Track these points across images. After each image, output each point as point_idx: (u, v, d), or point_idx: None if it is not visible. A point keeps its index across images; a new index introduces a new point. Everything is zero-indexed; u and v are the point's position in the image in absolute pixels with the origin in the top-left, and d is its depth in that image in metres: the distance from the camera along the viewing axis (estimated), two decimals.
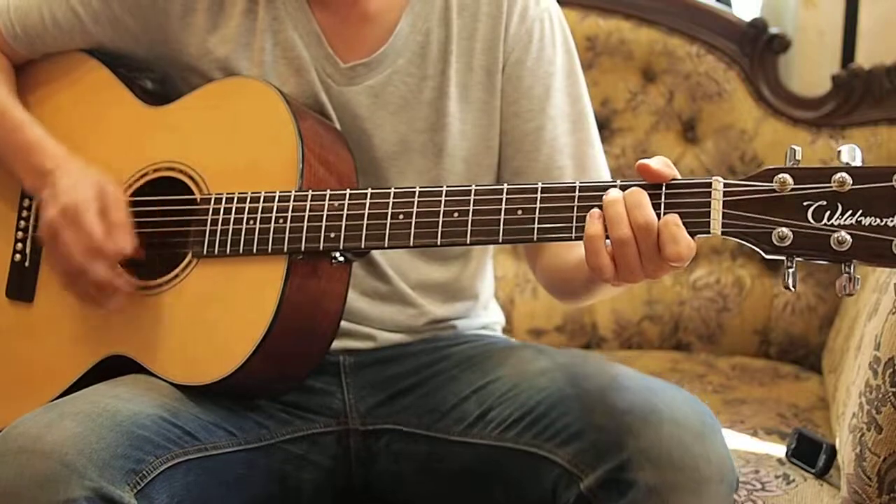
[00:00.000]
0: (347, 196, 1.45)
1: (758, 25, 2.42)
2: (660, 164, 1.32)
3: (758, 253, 1.27)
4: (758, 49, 2.42)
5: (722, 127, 2.43)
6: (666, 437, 1.35)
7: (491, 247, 1.78)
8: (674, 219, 1.28)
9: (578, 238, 1.33)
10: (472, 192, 1.39)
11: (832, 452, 1.73)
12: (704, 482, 1.34)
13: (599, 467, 1.38)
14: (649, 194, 1.30)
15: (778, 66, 2.43)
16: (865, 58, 2.45)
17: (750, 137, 2.41)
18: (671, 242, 1.27)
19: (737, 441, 1.85)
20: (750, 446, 1.85)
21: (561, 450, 1.44)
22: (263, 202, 1.48)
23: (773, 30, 2.43)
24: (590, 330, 2.43)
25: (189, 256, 1.53)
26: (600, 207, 1.31)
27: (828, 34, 2.52)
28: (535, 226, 1.35)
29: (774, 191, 1.26)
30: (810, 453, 1.76)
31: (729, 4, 2.61)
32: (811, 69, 2.53)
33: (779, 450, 1.82)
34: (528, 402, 1.50)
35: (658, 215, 1.28)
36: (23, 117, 1.63)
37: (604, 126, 2.46)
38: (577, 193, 1.34)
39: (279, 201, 1.47)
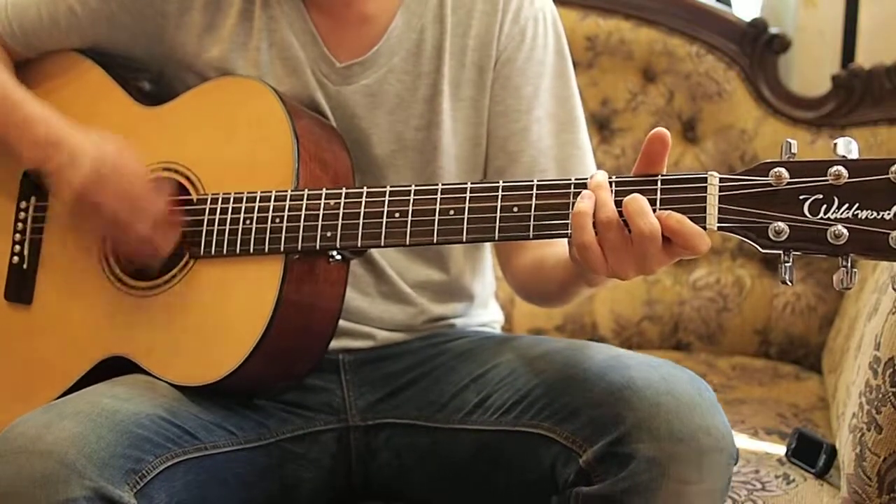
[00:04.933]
0: (343, 195, 1.45)
1: (758, 25, 2.43)
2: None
3: (754, 247, 1.26)
4: (758, 49, 2.42)
5: (722, 127, 2.43)
6: (664, 409, 1.35)
7: (489, 247, 1.78)
8: (676, 217, 1.27)
9: None
10: (468, 189, 1.39)
11: (832, 452, 1.73)
12: (704, 452, 1.34)
13: (598, 442, 1.38)
14: (645, 189, 1.29)
15: (778, 66, 2.44)
16: (865, 58, 2.46)
17: (750, 137, 2.41)
18: (693, 239, 1.27)
19: (737, 441, 1.84)
20: (750, 446, 1.85)
21: (559, 427, 1.44)
22: (260, 202, 1.48)
23: (773, 30, 2.43)
24: (590, 330, 2.43)
25: (186, 257, 1.53)
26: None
27: (828, 34, 2.52)
28: (531, 222, 1.35)
29: (770, 185, 1.25)
30: (810, 453, 1.75)
31: (729, 4, 2.61)
32: (811, 69, 2.53)
33: (779, 450, 1.82)
34: (527, 385, 1.50)
35: (654, 210, 1.27)
36: (24, 95, 1.61)
37: (604, 126, 2.47)
38: (572, 190, 1.34)
39: (275, 201, 1.47)
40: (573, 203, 1.32)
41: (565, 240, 1.35)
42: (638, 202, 1.28)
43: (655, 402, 1.35)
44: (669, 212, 1.28)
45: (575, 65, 1.73)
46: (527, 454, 1.48)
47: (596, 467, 1.38)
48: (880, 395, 1.54)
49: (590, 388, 1.42)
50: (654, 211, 1.28)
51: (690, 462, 1.33)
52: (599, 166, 2.37)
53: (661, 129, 1.30)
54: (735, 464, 1.40)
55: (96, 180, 1.51)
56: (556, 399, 1.45)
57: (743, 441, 1.86)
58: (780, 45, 2.43)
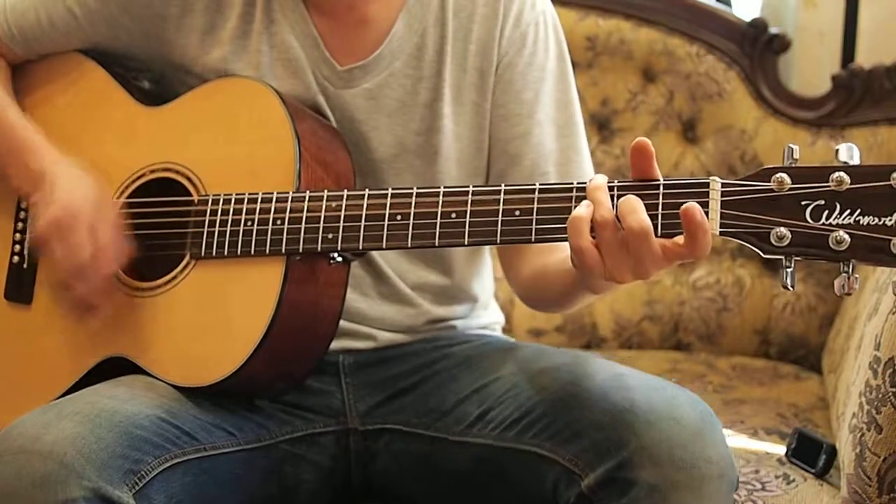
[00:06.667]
0: (345, 197, 1.45)
1: (758, 25, 2.42)
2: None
3: (756, 252, 1.26)
4: (758, 49, 2.42)
5: (722, 127, 2.43)
6: (666, 436, 1.35)
7: (489, 248, 1.78)
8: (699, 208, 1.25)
9: None
10: (470, 192, 1.39)
11: (832, 452, 1.73)
12: (705, 480, 1.34)
13: (600, 466, 1.38)
14: (647, 194, 1.29)
15: (778, 66, 2.43)
16: (865, 58, 2.46)
17: (750, 137, 2.41)
18: (701, 237, 1.25)
19: (737, 441, 1.85)
20: (750, 446, 1.84)
21: (561, 449, 1.44)
22: (261, 203, 1.48)
23: (773, 30, 2.43)
24: (590, 330, 2.43)
25: (187, 258, 1.52)
26: None
27: (828, 34, 2.53)
28: (533, 226, 1.35)
29: (772, 190, 1.25)
30: (810, 453, 1.75)
31: (729, 4, 2.61)
32: (811, 69, 2.53)
33: (779, 450, 1.82)
34: (529, 402, 1.50)
35: (656, 216, 1.28)
36: (16, 118, 1.63)
37: (604, 126, 2.47)
38: (574, 194, 1.34)
39: (276, 202, 1.47)
40: (575, 207, 1.32)
41: (567, 248, 1.34)
42: (630, 202, 1.27)
43: (658, 428, 1.35)
44: (694, 203, 1.25)
45: (575, 65, 1.73)
46: (528, 472, 1.48)
47: (597, 492, 1.38)
48: (880, 395, 1.54)
49: (592, 408, 1.42)
50: (657, 216, 1.27)
51: (691, 490, 1.33)
52: (599, 166, 2.39)
53: (639, 140, 1.30)
54: (735, 490, 1.40)
55: (56, 230, 1.51)
56: (558, 419, 1.45)
57: (743, 441, 1.86)
58: (780, 45, 2.42)
